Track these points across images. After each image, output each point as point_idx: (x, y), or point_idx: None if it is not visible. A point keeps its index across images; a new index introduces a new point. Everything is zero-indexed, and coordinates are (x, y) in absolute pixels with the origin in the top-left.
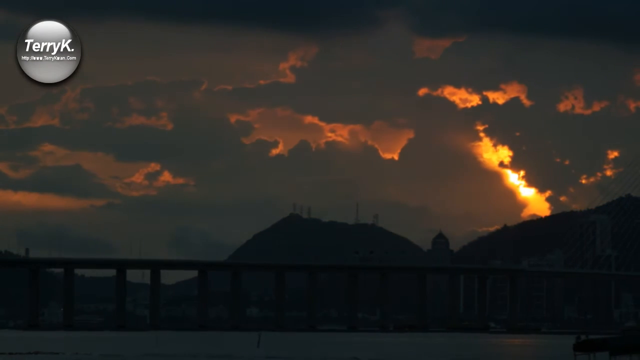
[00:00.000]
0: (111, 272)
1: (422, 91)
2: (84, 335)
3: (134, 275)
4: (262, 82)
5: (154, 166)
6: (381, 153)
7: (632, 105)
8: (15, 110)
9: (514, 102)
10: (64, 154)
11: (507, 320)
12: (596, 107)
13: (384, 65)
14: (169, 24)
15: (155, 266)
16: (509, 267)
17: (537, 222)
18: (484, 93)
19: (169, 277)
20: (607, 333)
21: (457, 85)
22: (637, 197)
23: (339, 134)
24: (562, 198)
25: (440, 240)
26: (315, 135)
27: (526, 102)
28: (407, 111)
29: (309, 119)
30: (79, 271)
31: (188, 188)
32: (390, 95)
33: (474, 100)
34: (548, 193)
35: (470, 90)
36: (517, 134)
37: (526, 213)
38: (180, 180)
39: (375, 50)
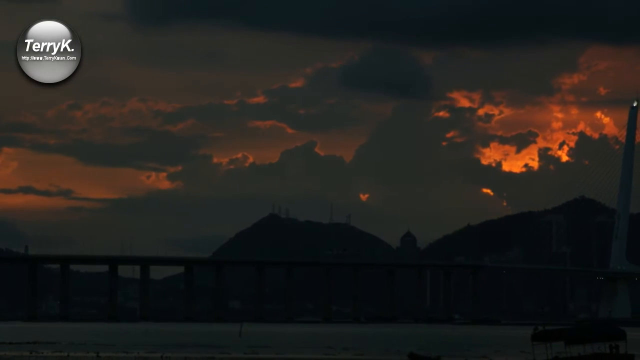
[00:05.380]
0: (104, 268)
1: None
2: (79, 326)
3: (125, 271)
4: (238, 93)
5: (141, 169)
6: (351, 158)
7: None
8: None
9: (469, 108)
10: (43, 156)
11: (470, 312)
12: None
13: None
14: (152, 30)
15: (145, 262)
16: (472, 263)
17: (498, 222)
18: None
19: (157, 273)
20: (563, 324)
21: (422, 93)
22: (590, 199)
23: (310, 140)
24: (521, 199)
25: (408, 238)
26: (287, 142)
27: (476, 106)
28: (371, 117)
29: (280, 126)
30: (74, 267)
31: (174, 190)
32: (354, 103)
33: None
34: (508, 194)
35: (434, 97)
36: (474, 139)
37: (488, 213)
38: (166, 183)
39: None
